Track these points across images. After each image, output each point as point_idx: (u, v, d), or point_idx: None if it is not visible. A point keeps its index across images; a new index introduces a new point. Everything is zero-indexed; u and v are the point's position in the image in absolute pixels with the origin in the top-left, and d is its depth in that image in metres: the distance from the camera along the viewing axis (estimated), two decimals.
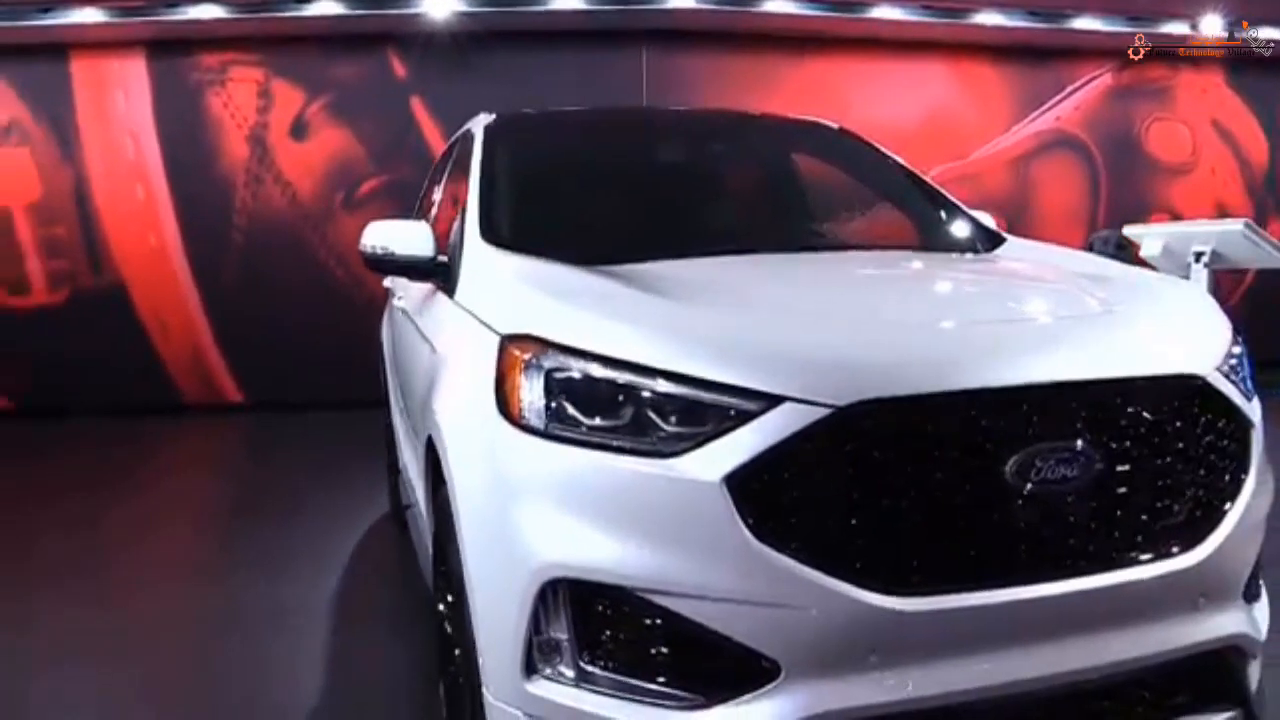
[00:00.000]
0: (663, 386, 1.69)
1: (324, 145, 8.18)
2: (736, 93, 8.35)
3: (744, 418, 1.62)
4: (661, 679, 1.67)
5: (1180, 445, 1.80)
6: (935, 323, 1.93)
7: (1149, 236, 2.94)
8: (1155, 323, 1.99)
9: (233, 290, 8.21)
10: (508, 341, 1.87)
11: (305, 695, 2.98)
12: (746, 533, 1.59)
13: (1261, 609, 2.04)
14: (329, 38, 8.02)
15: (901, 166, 3.17)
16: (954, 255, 2.78)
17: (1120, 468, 1.74)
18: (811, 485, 1.62)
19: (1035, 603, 1.67)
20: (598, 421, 1.71)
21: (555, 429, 1.73)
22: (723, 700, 1.63)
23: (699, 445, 1.63)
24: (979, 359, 1.73)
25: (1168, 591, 1.78)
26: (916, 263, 2.62)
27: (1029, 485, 1.66)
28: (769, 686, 1.61)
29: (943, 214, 3.00)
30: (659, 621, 1.65)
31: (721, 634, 1.61)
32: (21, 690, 3.11)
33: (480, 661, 1.82)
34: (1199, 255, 2.80)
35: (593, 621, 1.69)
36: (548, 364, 1.78)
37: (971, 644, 1.67)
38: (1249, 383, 2.05)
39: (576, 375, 1.75)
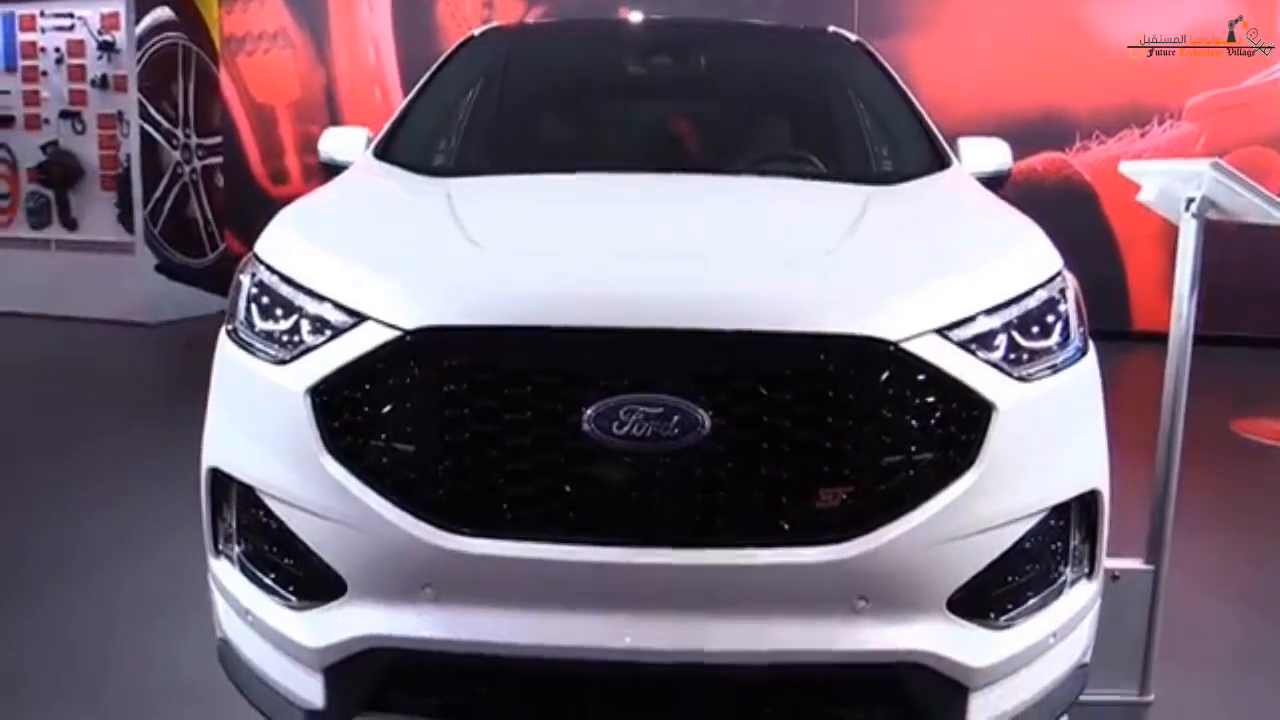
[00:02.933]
0: (299, 299, 1.74)
1: None
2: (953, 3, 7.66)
3: (337, 333, 1.66)
4: (276, 577, 1.77)
5: (839, 419, 1.54)
6: (591, 253, 1.78)
7: (1147, 176, 2.33)
8: (878, 272, 1.70)
9: None
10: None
11: None
12: (320, 446, 1.61)
13: (1015, 636, 1.67)
14: None
15: (893, 85, 2.88)
16: (845, 186, 2.36)
17: (743, 435, 1.53)
18: (382, 408, 1.61)
19: (613, 568, 1.54)
20: (262, 328, 1.79)
21: (240, 331, 1.83)
22: (307, 607, 1.70)
23: (302, 355, 1.68)
24: (578, 294, 1.61)
25: (799, 586, 1.55)
26: (768, 191, 2.35)
27: (614, 440, 1.51)
28: (336, 602, 1.66)
29: (899, 140, 2.71)
30: (273, 523, 1.73)
31: (306, 543, 1.68)
32: None
33: None
34: (1190, 202, 2.25)
35: (245, 514, 1.81)
36: (250, 270, 1.89)
37: (537, 597, 1.57)
38: (1063, 348, 1.74)
39: (260, 283, 1.84)
